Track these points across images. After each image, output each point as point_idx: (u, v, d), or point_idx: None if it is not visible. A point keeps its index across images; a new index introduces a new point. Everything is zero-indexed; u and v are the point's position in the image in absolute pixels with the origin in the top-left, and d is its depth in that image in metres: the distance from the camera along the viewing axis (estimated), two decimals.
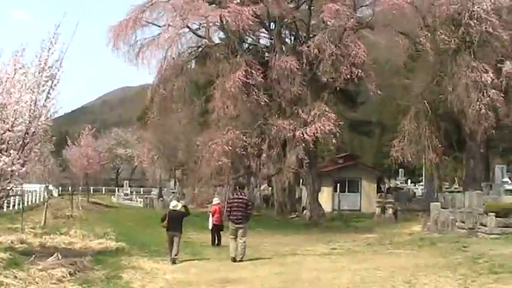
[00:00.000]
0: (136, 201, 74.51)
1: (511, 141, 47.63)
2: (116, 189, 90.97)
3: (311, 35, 40.53)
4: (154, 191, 76.67)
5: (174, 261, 20.43)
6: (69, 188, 54.22)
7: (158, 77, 41.77)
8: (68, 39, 18.80)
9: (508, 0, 35.69)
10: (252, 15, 37.63)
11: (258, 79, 37.59)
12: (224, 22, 37.67)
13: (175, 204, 22.14)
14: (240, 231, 20.79)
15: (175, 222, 21.17)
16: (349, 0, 36.70)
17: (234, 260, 20.60)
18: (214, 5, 40.16)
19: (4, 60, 18.33)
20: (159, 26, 41.25)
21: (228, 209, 21.58)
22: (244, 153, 38.35)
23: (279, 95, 38.65)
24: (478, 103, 34.51)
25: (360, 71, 36.37)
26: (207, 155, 36.90)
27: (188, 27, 40.06)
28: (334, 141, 36.47)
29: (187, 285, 16.10)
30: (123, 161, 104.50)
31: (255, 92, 38.33)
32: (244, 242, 20.91)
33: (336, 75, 37.01)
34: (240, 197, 21.50)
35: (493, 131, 36.73)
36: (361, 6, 39.76)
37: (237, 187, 23.25)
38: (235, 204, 21.10)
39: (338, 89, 39.78)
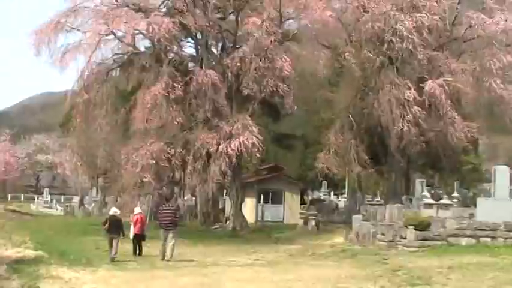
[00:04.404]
0: (57, 209, 73.06)
1: (429, 156, 48.78)
2: (36, 196, 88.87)
3: (238, 46, 40.56)
4: (76, 199, 75.34)
5: (112, 260, 23.25)
6: None
7: (80, 83, 40.83)
8: None
9: (428, 19, 36.37)
10: (178, 25, 37.41)
11: (179, 92, 37.25)
12: (150, 30, 37.30)
13: (115, 211, 25.20)
14: (170, 235, 24.31)
15: (114, 226, 24.10)
16: (275, 13, 36.77)
17: (163, 259, 23.99)
18: (140, 13, 39.67)
19: None
20: (83, 32, 40.43)
21: (159, 218, 25.42)
22: (168, 165, 37.94)
23: (203, 106, 38.41)
24: (401, 120, 35.16)
25: (284, 84, 36.57)
26: (130, 166, 36.33)
27: (113, 33, 39.47)
28: (257, 155, 36.56)
29: None
30: (43, 168, 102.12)
31: (178, 104, 38.02)
32: (173, 244, 24.30)
33: (260, 87, 37.05)
34: (169, 207, 25.98)
35: (423, 144, 37.66)
36: (287, 19, 39.98)
37: (166, 199, 26.25)
38: (165, 213, 25.05)
39: (263, 101, 39.84)
